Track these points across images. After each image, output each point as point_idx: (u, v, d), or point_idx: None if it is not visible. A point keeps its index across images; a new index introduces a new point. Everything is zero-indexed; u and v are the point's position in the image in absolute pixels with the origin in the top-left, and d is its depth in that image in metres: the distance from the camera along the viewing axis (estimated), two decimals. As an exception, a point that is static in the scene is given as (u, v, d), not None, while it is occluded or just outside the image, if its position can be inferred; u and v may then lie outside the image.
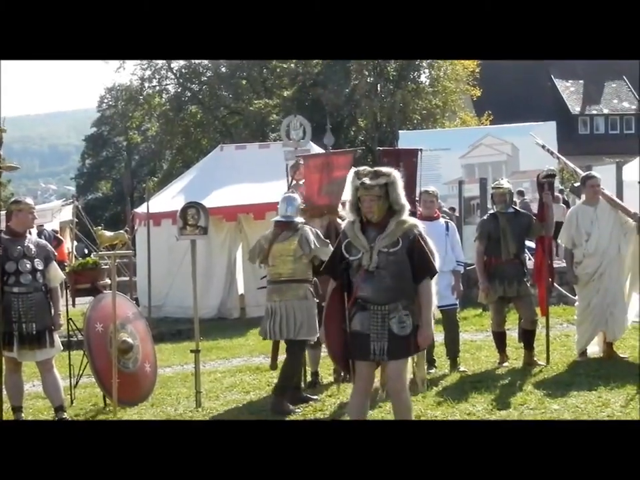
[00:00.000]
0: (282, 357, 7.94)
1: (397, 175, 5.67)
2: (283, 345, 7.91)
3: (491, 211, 9.13)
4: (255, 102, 38.59)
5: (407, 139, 21.20)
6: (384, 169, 5.75)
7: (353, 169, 5.84)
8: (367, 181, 5.58)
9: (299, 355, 7.87)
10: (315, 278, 7.72)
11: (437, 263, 5.85)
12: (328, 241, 7.62)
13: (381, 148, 8.48)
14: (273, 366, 8.09)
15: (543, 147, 10.75)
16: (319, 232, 7.63)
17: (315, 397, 7.93)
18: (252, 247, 8.11)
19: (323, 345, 8.76)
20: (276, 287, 7.69)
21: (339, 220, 8.36)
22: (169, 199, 16.68)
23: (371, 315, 5.61)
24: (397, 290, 5.59)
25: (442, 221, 9.04)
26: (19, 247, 7.62)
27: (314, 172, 8.48)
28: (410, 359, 5.83)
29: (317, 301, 7.72)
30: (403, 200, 5.66)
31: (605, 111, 45.70)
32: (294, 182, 8.56)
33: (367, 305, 5.63)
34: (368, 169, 5.75)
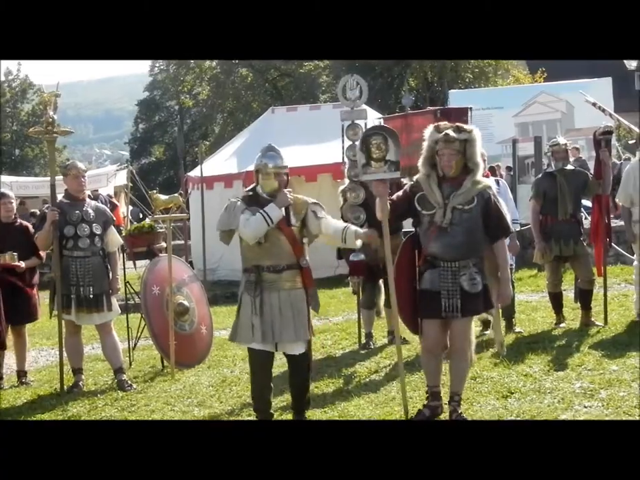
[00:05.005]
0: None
1: (477, 133, 5.68)
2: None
3: (548, 170, 9.00)
4: (305, 64, 38.39)
5: (458, 98, 20.88)
6: (465, 126, 5.79)
7: (431, 125, 5.82)
8: (450, 132, 5.57)
9: None
10: None
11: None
12: None
13: (432, 108, 8.36)
14: None
15: (594, 104, 10.53)
16: None
17: None
18: None
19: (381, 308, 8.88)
20: None
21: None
22: (221, 162, 16.75)
23: (440, 272, 5.65)
24: (468, 247, 5.63)
25: (492, 179, 8.93)
26: (77, 212, 7.74)
27: None
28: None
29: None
30: (479, 158, 5.68)
31: (663, 66, 44.58)
32: (350, 143, 8.48)
33: (436, 262, 5.66)
34: (448, 124, 5.73)
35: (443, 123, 5.76)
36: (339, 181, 12.13)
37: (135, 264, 10.00)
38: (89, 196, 9.49)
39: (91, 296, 7.71)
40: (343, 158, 8.56)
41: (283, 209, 5.89)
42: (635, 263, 8.96)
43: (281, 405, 6.59)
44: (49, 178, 8.08)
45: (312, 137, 15.31)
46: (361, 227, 8.24)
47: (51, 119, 7.72)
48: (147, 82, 56.76)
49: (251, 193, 6.07)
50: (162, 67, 51.07)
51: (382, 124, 8.77)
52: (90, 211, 7.84)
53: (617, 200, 9.28)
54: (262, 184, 6.01)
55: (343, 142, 8.55)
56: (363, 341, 8.73)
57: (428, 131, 5.75)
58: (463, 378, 5.91)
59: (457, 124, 5.75)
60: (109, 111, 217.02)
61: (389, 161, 5.72)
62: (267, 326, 5.80)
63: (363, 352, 8.48)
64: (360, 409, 6.38)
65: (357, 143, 8.44)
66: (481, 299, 5.72)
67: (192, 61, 43.18)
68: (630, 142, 18.86)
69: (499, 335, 6.18)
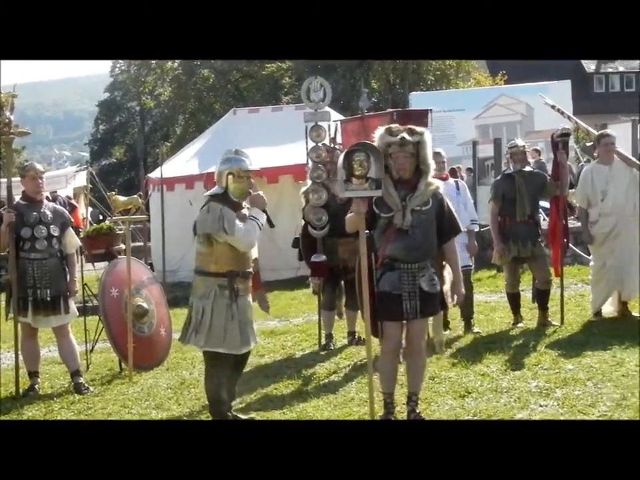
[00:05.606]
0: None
1: (428, 135, 5.70)
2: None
3: (507, 171, 9.07)
4: (267, 65, 38.36)
5: (420, 100, 21.01)
6: (417, 128, 5.79)
7: (382, 127, 5.82)
8: (406, 136, 5.57)
9: None
10: None
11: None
12: None
13: (392, 110, 8.40)
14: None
15: (553, 107, 10.68)
16: None
17: None
18: None
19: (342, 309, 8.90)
20: None
21: None
22: (182, 164, 16.68)
23: (400, 274, 5.65)
24: (426, 248, 5.68)
25: (451, 181, 8.98)
26: (34, 213, 7.66)
27: (351, 136, 8.38)
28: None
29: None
30: (430, 160, 5.69)
31: (621, 69, 45.21)
32: (313, 144, 8.45)
33: (395, 264, 5.66)
34: (399, 126, 5.74)
35: (394, 126, 5.76)
36: (300, 182, 12.17)
37: (94, 266, 9.91)
38: (48, 197, 9.39)
39: (48, 298, 7.63)
40: (307, 160, 8.55)
41: None
42: (592, 263, 9.07)
43: (239, 407, 6.58)
44: (5, 179, 7.98)
45: (274, 138, 15.30)
46: (322, 228, 8.29)
47: (7, 120, 7.63)
48: (108, 83, 56.36)
49: (220, 195, 6.04)
50: (123, 68, 50.73)
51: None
52: (48, 212, 7.76)
53: (574, 201, 9.39)
54: (233, 187, 6.03)
55: (306, 144, 8.53)
56: (323, 342, 8.73)
57: (378, 132, 5.73)
58: (421, 378, 5.94)
59: (410, 126, 5.76)
60: (69, 112, 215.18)
61: (370, 178, 5.57)
62: (245, 330, 6.02)
63: (322, 353, 8.49)
64: (319, 409, 6.38)
65: (321, 144, 8.48)
66: (438, 299, 5.78)
67: (153, 62, 42.94)
68: (588, 144, 19.06)
69: (439, 334, 6.12)
